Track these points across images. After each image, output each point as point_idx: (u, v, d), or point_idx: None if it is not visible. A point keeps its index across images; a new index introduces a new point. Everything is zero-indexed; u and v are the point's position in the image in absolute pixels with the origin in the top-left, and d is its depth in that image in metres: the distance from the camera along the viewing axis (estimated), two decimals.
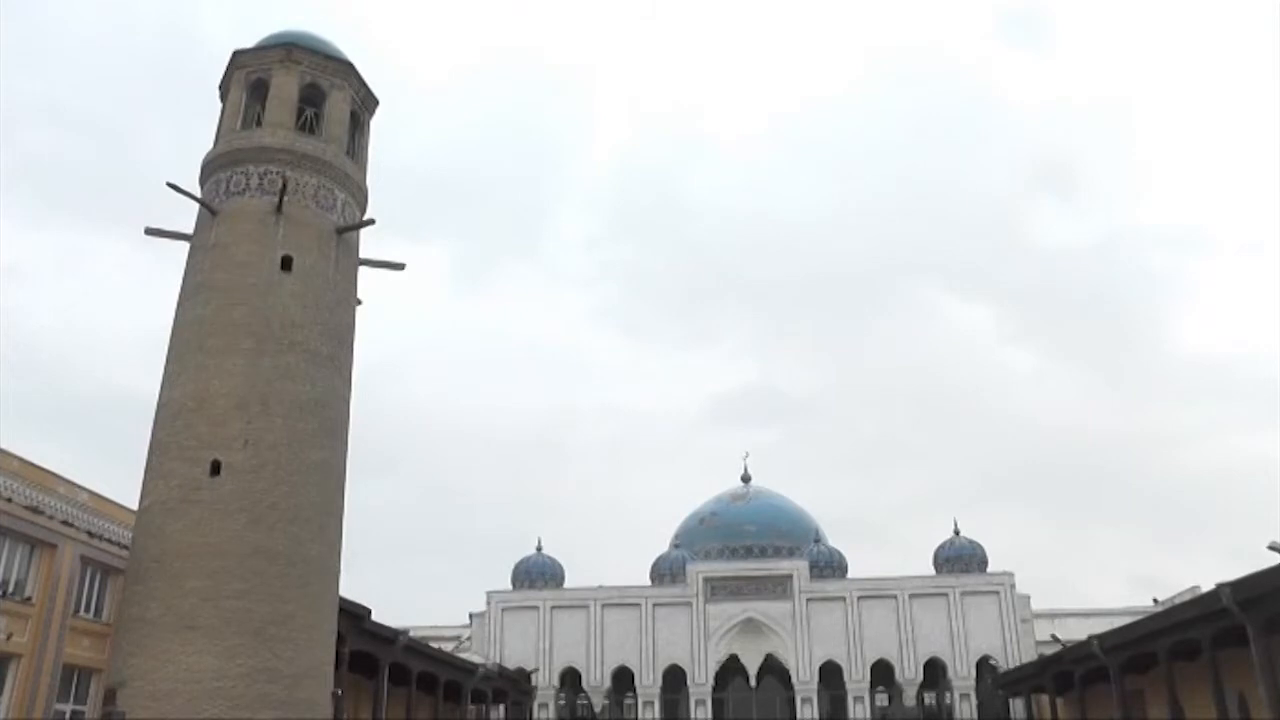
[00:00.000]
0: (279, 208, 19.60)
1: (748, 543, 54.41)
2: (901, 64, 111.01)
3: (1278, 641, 25.30)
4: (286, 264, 19.30)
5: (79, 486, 22.96)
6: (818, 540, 54.96)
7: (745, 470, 60.07)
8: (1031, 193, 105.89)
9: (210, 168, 20.54)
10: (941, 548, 52.15)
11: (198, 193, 20.26)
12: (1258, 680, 24.91)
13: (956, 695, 48.12)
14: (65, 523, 22.02)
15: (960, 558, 51.29)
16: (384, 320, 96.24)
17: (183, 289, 19.83)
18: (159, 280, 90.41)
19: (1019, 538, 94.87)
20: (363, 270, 21.56)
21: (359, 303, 21.36)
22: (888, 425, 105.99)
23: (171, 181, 19.55)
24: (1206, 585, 27.07)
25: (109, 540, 22.98)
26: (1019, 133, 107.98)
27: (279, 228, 19.57)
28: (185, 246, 20.34)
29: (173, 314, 19.75)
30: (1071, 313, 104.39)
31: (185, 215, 20.66)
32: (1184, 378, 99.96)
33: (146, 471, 18.25)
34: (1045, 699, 41.66)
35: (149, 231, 20.35)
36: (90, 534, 22.68)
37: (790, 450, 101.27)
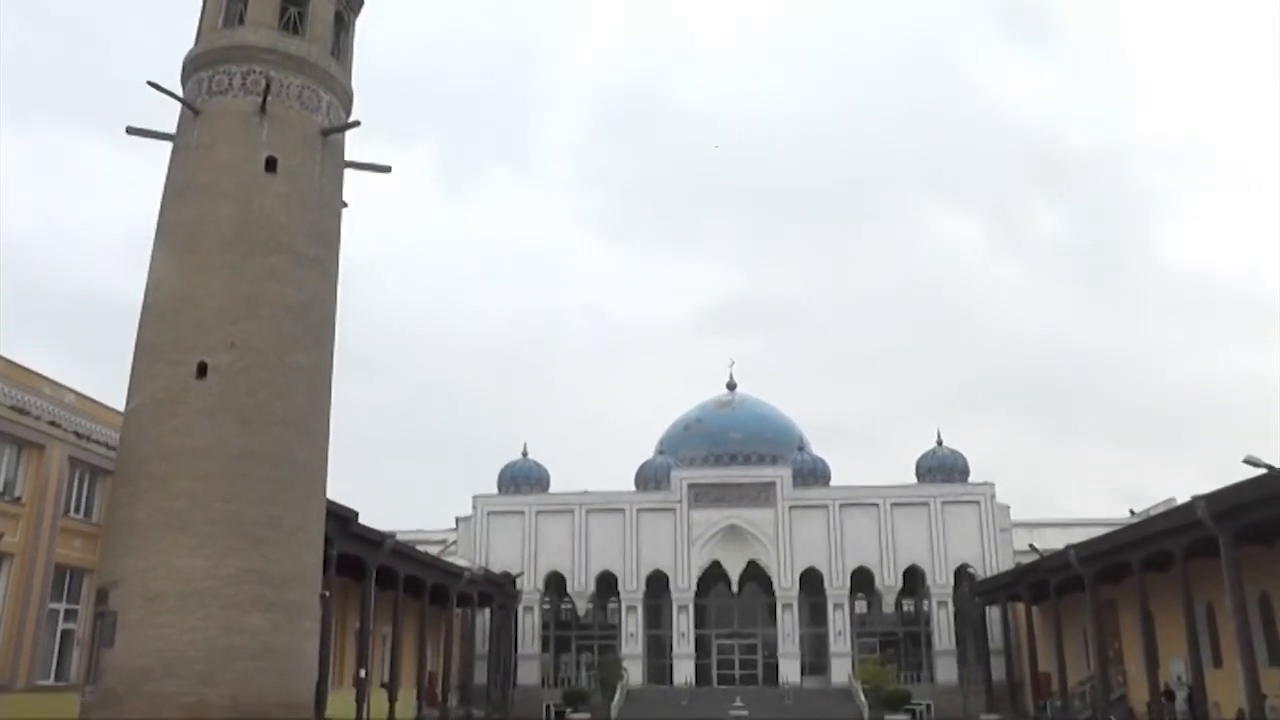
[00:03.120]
0: (263, 108, 19.29)
1: (732, 450, 54.87)
2: None
3: (1247, 554, 25.84)
4: (271, 165, 19.07)
5: (65, 387, 22.95)
6: (801, 448, 55.48)
7: (730, 378, 60.46)
8: (1022, 104, 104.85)
9: (191, 67, 20.14)
10: (924, 457, 52.71)
11: (179, 92, 19.91)
12: (1226, 591, 25.49)
13: (934, 603, 49.10)
14: (52, 423, 22.06)
15: (942, 467, 51.87)
16: (369, 224, 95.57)
17: (166, 190, 19.60)
18: (142, 181, 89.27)
19: (1001, 449, 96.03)
20: (348, 173, 21.32)
21: (345, 205, 21.18)
22: (873, 334, 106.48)
23: (153, 80, 19.20)
24: (1183, 498, 27.52)
25: (97, 441, 23.04)
26: (1011, 46, 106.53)
27: (263, 129, 19.28)
28: (168, 147, 20.05)
29: (156, 215, 19.56)
30: (1058, 225, 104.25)
31: (168, 115, 20.34)
32: (1169, 292, 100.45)
33: (133, 373, 18.24)
34: (1021, 607, 42.52)
35: (130, 131, 20.01)
36: (78, 435, 22.73)
37: (776, 358, 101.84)
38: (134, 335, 18.60)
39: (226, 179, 18.88)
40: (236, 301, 18.00)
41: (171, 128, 20.10)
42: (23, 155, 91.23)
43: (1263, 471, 23.10)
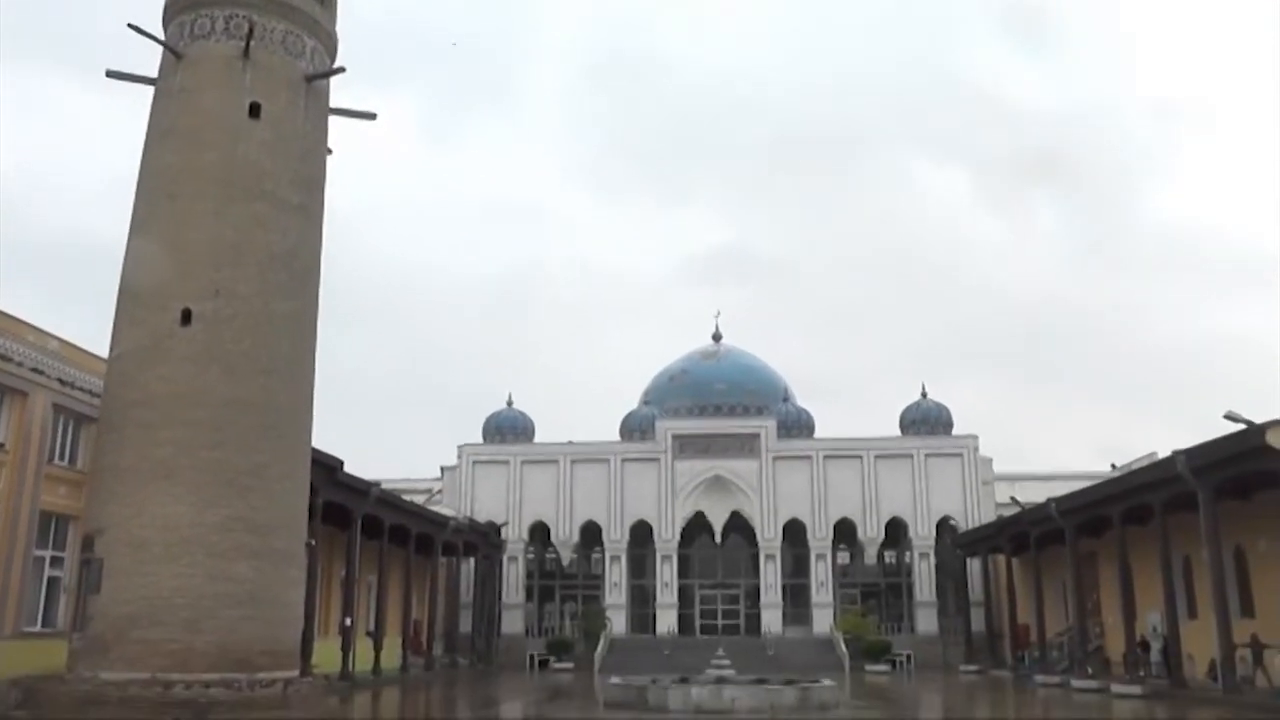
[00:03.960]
0: (246, 53, 19.05)
1: (717, 401, 54.95)
2: None
3: (1224, 508, 26.13)
4: (255, 111, 18.87)
5: (48, 334, 22.76)
6: (786, 399, 55.64)
7: (716, 329, 60.37)
8: (1012, 60, 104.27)
9: (173, 9, 19.84)
10: (908, 410, 52.91)
11: (161, 35, 19.62)
12: (1203, 544, 25.81)
13: (916, 554, 49.54)
14: (35, 370, 21.90)
15: (926, 420, 52.11)
16: (353, 171, 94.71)
17: (148, 135, 19.39)
18: (124, 125, 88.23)
19: (985, 402, 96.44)
20: (332, 120, 21.11)
21: (329, 152, 21.00)
22: (860, 287, 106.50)
23: (133, 23, 18.92)
24: (1164, 453, 27.76)
25: (81, 388, 22.88)
26: (1004, 3, 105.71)
27: (246, 74, 19.06)
28: (150, 91, 19.79)
29: (139, 160, 19.34)
30: (1047, 181, 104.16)
31: (149, 59, 20.06)
32: (1155, 249, 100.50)
33: (116, 320, 18.14)
34: (1001, 559, 42.95)
35: (111, 74, 19.75)
36: (61, 382, 22.57)
37: (762, 310, 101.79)
38: (117, 281, 18.46)
39: (209, 125, 18.68)
40: (221, 248, 17.88)
41: (153, 72, 19.84)
42: (1, 98, 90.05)
43: (1242, 427, 23.33)
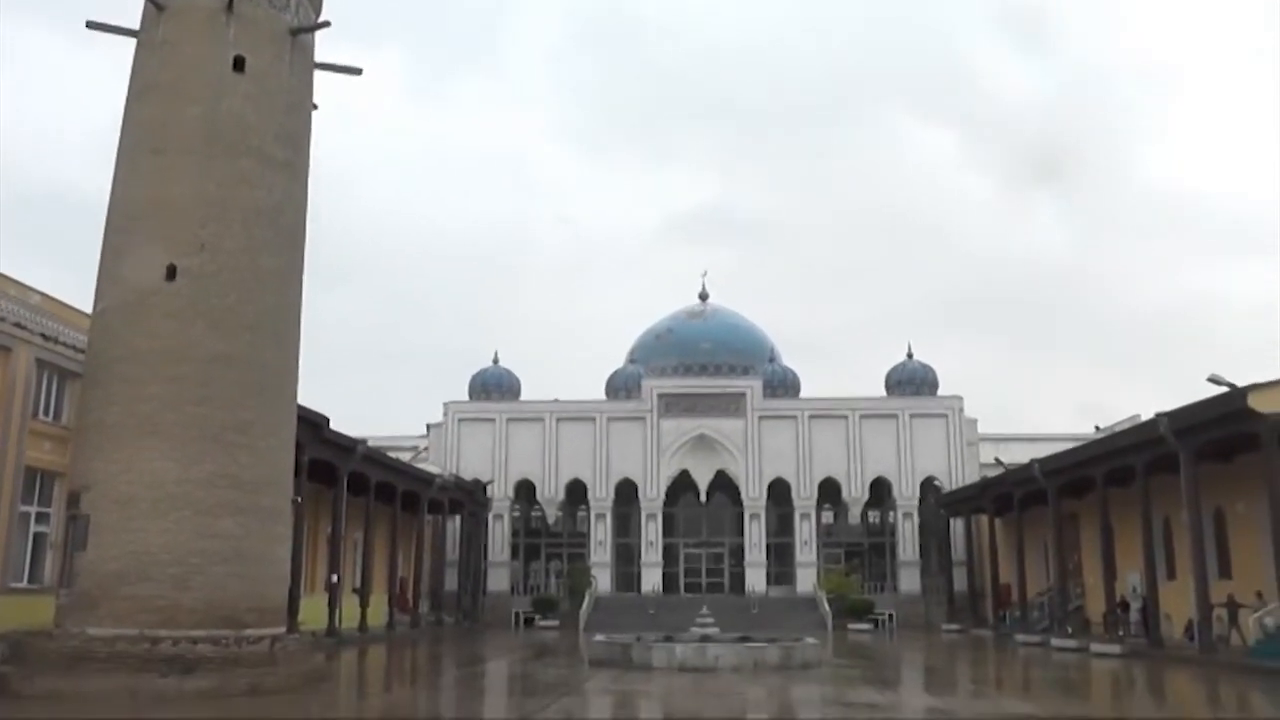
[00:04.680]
0: (229, 5, 18.69)
1: (703, 360, 55.07)
2: None
3: (1205, 470, 26.39)
4: (239, 64, 18.57)
5: (30, 288, 22.58)
6: (772, 359, 55.75)
7: (703, 288, 60.38)
8: (1005, 23, 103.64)
9: None
10: (894, 370, 53.13)
11: None
12: (1183, 505, 26.07)
13: (900, 514, 49.92)
14: (18, 325, 21.74)
15: (911, 380, 52.34)
16: (339, 128, 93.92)
17: (130, 88, 19.09)
18: (107, 77, 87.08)
19: (971, 364, 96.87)
20: (317, 75, 20.82)
21: (315, 108, 20.75)
22: (847, 247, 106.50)
23: None
24: (1148, 415, 27.95)
25: (65, 344, 22.75)
26: None
27: (229, 26, 18.72)
28: (131, 43, 19.46)
29: (121, 114, 19.07)
30: (1033, 143, 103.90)
31: (130, 9, 19.71)
32: (1142, 212, 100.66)
33: (100, 275, 17.96)
34: (984, 519, 43.32)
35: (91, 25, 19.39)
36: (45, 337, 22.43)
37: (748, 269, 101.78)
38: (100, 236, 18.28)
39: (192, 78, 18.39)
40: (205, 204, 17.67)
41: (134, 23, 19.51)
42: None
43: (1224, 390, 23.49)
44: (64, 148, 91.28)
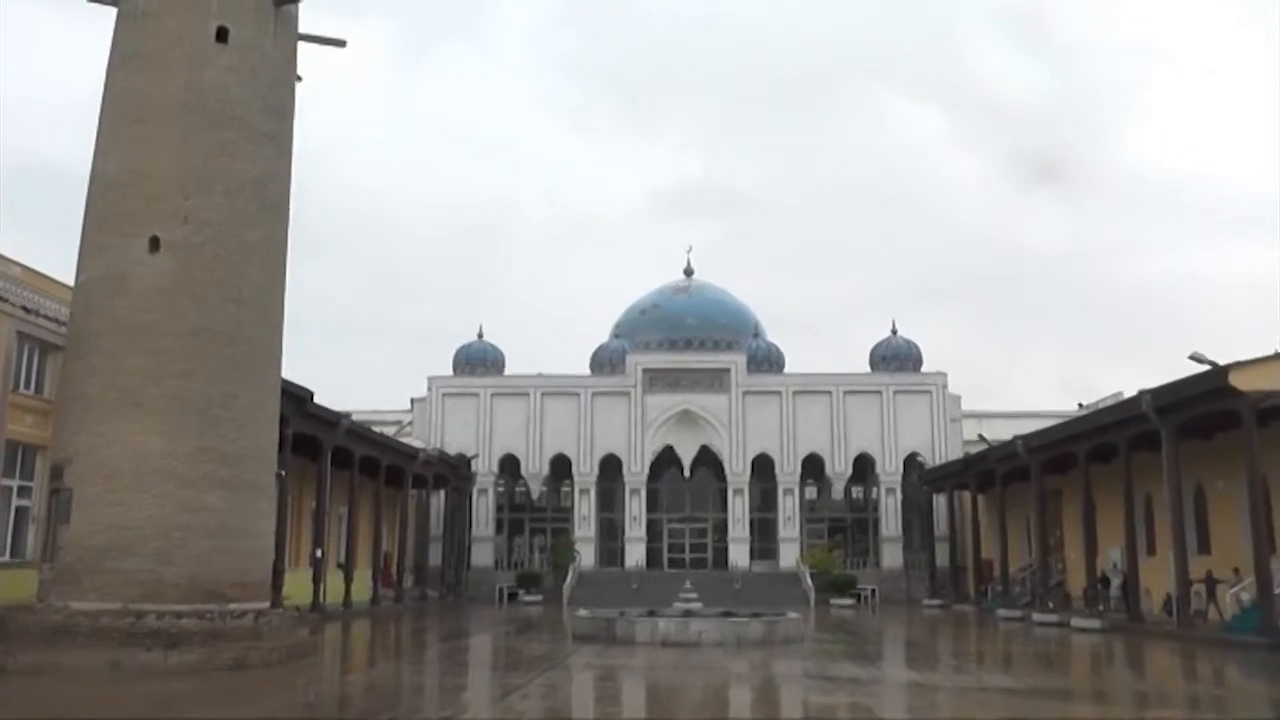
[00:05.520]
0: None
1: (687, 335, 55.04)
2: None
3: (1186, 447, 26.58)
4: (222, 35, 18.37)
5: (10, 260, 22.41)
6: (756, 335, 55.82)
7: (688, 263, 60.35)
8: (993, 3, 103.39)
9: None
10: (878, 346, 53.21)
11: None
12: (1164, 482, 26.27)
13: (883, 490, 50.15)
14: None
15: (896, 356, 52.45)
16: (323, 100, 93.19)
17: (111, 58, 18.88)
18: (88, 47, 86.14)
19: (955, 340, 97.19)
20: (301, 47, 20.63)
21: (299, 80, 20.57)
22: (832, 223, 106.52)
23: None
24: (1131, 392, 28.11)
25: (46, 316, 22.60)
26: None
27: None
28: (113, 12, 19.24)
29: (102, 84, 18.87)
30: (1020, 122, 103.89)
31: None
32: (1129, 192, 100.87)
33: (82, 246, 17.81)
34: (967, 495, 43.57)
35: None
36: (26, 309, 22.29)
37: (733, 245, 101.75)
38: (82, 207, 18.12)
39: (175, 49, 18.18)
40: (189, 176, 17.52)
41: None
42: None
43: (1206, 368, 23.64)
44: (45, 118, 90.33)
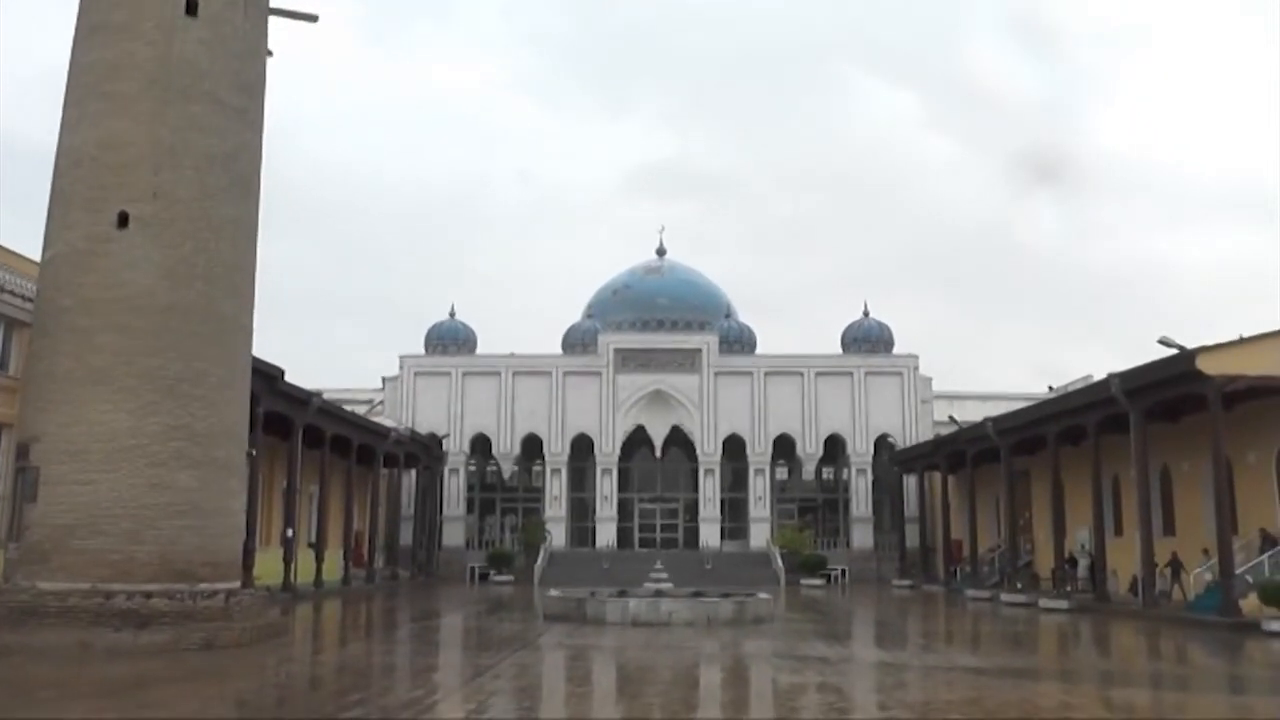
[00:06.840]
0: None
1: (659, 315, 55.08)
2: None
3: (1154, 430, 26.87)
4: (192, 8, 18.09)
5: None
6: (728, 316, 55.88)
7: (660, 243, 60.35)
8: None
9: None
10: (850, 328, 53.38)
11: None
12: (1132, 463, 26.55)
13: (854, 470, 50.40)
14: None
15: (868, 338, 52.63)
16: (294, 76, 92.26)
17: (77, 30, 18.57)
18: (54, 18, 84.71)
19: (926, 322, 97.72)
20: (272, 22, 20.38)
21: (270, 55, 20.32)
22: (804, 204, 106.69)
23: None
24: (1100, 375, 28.34)
25: (11, 292, 22.28)
26: None
27: None
28: None
29: (69, 56, 18.57)
30: (992, 106, 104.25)
31: None
32: (1100, 175, 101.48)
33: (49, 222, 17.55)
34: (937, 476, 43.84)
35: None
36: None
37: (706, 225, 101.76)
38: (49, 182, 17.84)
39: (144, 20, 17.88)
40: (158, 150, 17.27)
41: None
42: None
43: (1174, 352, 23.88)
44: (9, 91, 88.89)
